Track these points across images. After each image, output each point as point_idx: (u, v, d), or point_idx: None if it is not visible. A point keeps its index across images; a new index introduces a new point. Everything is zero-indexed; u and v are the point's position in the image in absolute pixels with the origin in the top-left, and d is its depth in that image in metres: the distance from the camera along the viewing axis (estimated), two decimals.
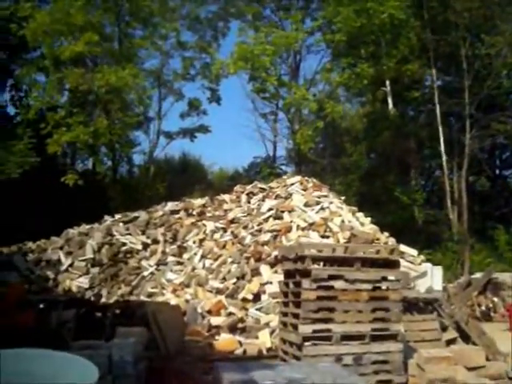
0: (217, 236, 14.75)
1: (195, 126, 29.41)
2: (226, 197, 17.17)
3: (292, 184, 16.11)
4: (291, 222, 13.71)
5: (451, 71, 27.91)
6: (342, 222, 13.72)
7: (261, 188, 16.78)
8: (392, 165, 28.25)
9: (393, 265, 8.18)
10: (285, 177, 17.82)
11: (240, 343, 10.00)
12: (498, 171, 36.71)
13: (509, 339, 14.62)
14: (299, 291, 7.69)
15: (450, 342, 10.34)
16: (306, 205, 14.47)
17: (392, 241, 14.95)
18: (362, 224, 14.27)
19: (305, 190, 15.58)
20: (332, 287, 7.65)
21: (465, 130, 25.47)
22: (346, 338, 7.54)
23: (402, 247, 14.28)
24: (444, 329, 10.60)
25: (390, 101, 28.61)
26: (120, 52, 25.31)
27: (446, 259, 25.84)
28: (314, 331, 7.51)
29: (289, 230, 13.47)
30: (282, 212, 14.39)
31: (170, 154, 33.84)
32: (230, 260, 13.24)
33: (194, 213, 16.39)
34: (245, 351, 9.75)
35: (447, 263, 25.39)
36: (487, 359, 10.13)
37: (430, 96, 26.84)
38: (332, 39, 24.16)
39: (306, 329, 7.51)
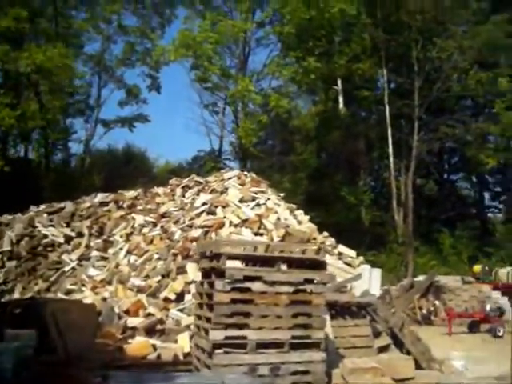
0: (145, 230, 13.79)
1: (133, 115, 28.09)
2: (160, 190, 16.20)
3: (229, 178, 15.27)
4: (224, 217, 12.88)
5: (402, 72, 27.63)
6: (278, 219, 12.97)
7: (197, 181, 15.89)
8: (340, 165, 27.89)
9: (319, 266, 7.45)
10: (223, 171, 16.95)
11: (154, 347, 9.08)
12: (446, 175, 36.97)
13: (447, 344, 14.34)
14: (213, 293, 6.87)
15: (382, 349, 9.73)
16: (242, 200, 13.67)
17: (331, 241, 14.37)
18: (300, 222, 13.59)
19: (242, 185, 14.78)
20: (249, 289, 6.86)
21: (413, 132, 25.21)
22: (263, 345, 6.77)
23: (341, 248, 13.70)
24: (377, 335, 10.00)
25: (341, 100, 28.28)
26: (56, 32, 23.76)
27: (391, 261, 25.63)
28: (227, 337, 6.69)
29: (221, 226, 12.62)
30: (216, 207, 13.53)
31: (114, 146, 32.50)
32: (156, 256, 12.30)
33: (125, 205, 15.35)
34: (159, 356, 8.85)
35: (391, 265, 25.19)
36: (421, 368, 9.67)
37: (381, 96, 26.50)
38: (281, 31, 23.44)
39: (218, 335, 6.69)
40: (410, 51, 25.30)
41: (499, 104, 25.55)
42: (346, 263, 13.03)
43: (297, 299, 7.01)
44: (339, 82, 27.92)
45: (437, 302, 19.72)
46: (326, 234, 15.04)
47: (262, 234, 12.23)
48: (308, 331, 6.97)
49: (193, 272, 11.10)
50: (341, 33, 24.27)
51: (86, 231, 14.31)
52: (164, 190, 16.17)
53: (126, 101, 27.97)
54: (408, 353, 9.66)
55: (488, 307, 16.67)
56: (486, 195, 37.35)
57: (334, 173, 28.15)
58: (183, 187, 15.85)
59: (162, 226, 13.70)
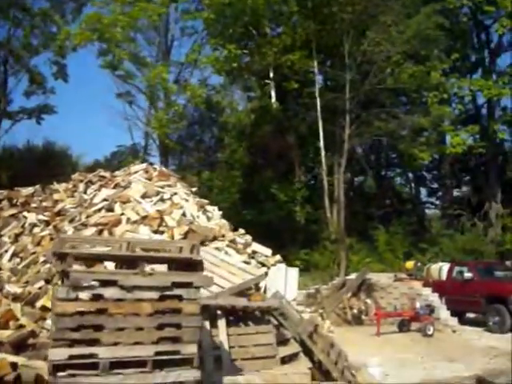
0: (36, 230, 12.26)
1: (38, 106, 26.03)
2: (61, 186, 14.62)
3: (136, 172, 13.87)
4: (122, 214, 11.51)
5: (335, 65, 26.72)
6: (183, 215, 11.70)
7: (101, 176, 14.42)
8: (272, 161, 26.78)
9: (195, 266, 6.22)
10: (132, 165, 15.48)
11: (15, 366, 7.59)
12: (384, 171, 36.61)
13: (373, 346, 13.42)
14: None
15: (289, 359, 8.61)
16: (145, 195, 12.34)
17: (246, 238, 13.21)
18: (209, 219, 12.34)
19: (149, 180, 13.43)
20: (101, 296, 5.54)
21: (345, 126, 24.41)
22: (119, 365, 5.45)
23: (255, 246, 12.54)
24: (285, 342, 8.86)
25: (273, 94, 27.23)
26: None
27: (324, 259, 24.75)
28: (72, 357, 5.34)
29: (117, 223, 11.24)
30: (116, 203, 12.12)
31: (32, 142, 30.25)
32: (42, 259, 10.79)
33: (19, 203, 13.70)
34: (19, 377, 7.37)
35: (324, 263, 24.33)
36: (331, 379, 8.62)
37: (312, 89, 25.58)
38: (201, 16, 22.10)
39: (60, 353, 5.34)
40: (342, 43, 24.43)
41: (432, 98, 25.15)
42: (259, 262, 11.88)
43: (163, 307, 5.74)
44: (271, 75, 26.86)
45: (368, 301, 18.91)
46: (241, 231, 13.89)
47: (162, 232, 10.92)
48: (177, 345, 5.70)
49: None
50: (268, 22, 23.17)
51: None
52: (66, 186, 14.59)
53: (31, 90, 25.85)
54: (319, 362, 8.60)
55: (418, 305, 15.90)
56: (424, 191, 37.41)
57: (265, 169, 27.11)
58: (86, 183, 14.32)
59: (54, 225, 12.17)
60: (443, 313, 16.67)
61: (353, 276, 20.61)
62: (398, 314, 16.23)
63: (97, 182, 14.15)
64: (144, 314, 5.62)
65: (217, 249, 10.71)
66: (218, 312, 8.06)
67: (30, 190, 14.39)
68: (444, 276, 18.81)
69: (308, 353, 8.85)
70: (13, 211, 13.26)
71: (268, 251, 12.50)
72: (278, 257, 13.04)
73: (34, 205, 13.53)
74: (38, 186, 14.66)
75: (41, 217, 12.72)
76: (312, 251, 25.46)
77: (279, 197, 25.50)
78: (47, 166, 28.12)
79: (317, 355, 8.55)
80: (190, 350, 5.74)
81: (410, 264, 20.85)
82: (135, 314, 5.61)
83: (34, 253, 11.18)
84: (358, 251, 25.92)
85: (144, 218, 11.23)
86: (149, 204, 11.72)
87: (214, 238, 11.17)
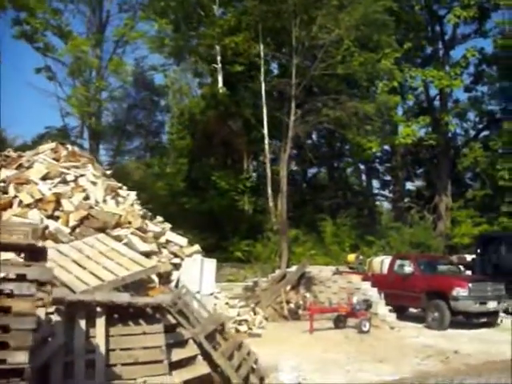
0: None
1: None
2: None
3: (43, 152, 12.51)
4: (15, 196, 10.18)
5: (282, 49, 25.58)
6: (86, 199, 10.45)
7: (6, 156, 12.95)
8: (215, 148, 25.59)
9: (36, 256, 5.04)
10: (44, 145, 14.04)
11: None
12: (336, 162, 35.85)
13: (301, 344, 12.47)
14: None
15: (183, 363, 7.50)
16: (47, 177, 11.01)
17: (164, 227, 12.09)
18: (119, 204, 11.12)
19: (57, 160, 12.09)
20: None
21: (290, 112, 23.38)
22: None
23: (169, 235, 11.40)
24: (182, 344, 7.74)
25: (220, 78, 26.04)
26: None
27: (266, 251, 23.78)
28: None
29: (8, 206, 9.94)
30: (18, 184, 10.79)
31: None
32: None
33: None
34: None
35: (266, 255, 23.39)
36: None
37: (256, 73, 24.46)
38: None
39: None
40: (289, 26, 23.35)
41: (382, 87, 24.41)
42: (172, 253, 10.76)
43: None
44: (218, 58, 25.69)
45: (307, 295, 18.05)
46: (159, 219, 12.78)
47: (58, 217, 9.66)
48: (2, 353, 4.52)
49: None
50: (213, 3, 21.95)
51: None
52: None
53: None
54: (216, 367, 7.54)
55: (354, 300, 15.04)
56: (376, 184, 36.86)
57: (208, 157, 25.98)
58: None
59: None
60: (381, 308, 15.91)
61: (293, 269, 19.78)
62: (333, 309, 15.35)
63: (0, 162, 12.71)
64: None
65: (117, 236, 9.51)
66: (98, 309, 6.89)
67: None
68: (386, 270, 18.09)
69: (208, 356, 7.80)
70: None
71: (183, 241, 11.41)
72: (196, 247, 12.00)
73: None
74: None
75: None
76: (255, 242, 24.47)
77: (221, 185, 24.39)
78: None
79: (215, 359, 7.48)
80: (19, 358, 4.56)
81: (351, 257, 20.08)
82: None
83: None
84: (304, 243, 25.09)
85: (39, 201, 9.94)
86: (47, 186, 10.41)
87: (118, 225, 9.97)
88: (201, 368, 7.40)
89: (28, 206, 9.85)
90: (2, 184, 10.99)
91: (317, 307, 15.52)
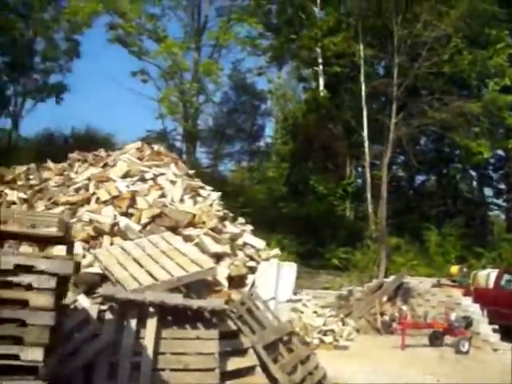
0: (14, 208, 11.29)
1: (50, 85, 25.33)
2: (56, 165, 13.68)
3: (129, 151, 12.71)
4: (93, 193, 10.32)
5: (383, 48, 24.47)
6: (162, 197, 10.36)
7: (96, 155, 13.34)
8: (314, 151, 24.98)
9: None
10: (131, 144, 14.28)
11: None
12: (445, 168, 33.74)
13: (389, 360, 11.51)
14: None
15: (240, 373, 7.02)
16: (127, 175, 11.09)
17: (245, 229, 11.72)
18: (196, 203, 10.93)
19: (140, 159, 12.19)
20: None
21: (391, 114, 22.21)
22: None
23: (247, 237, 10.99)
24: (241, 352, 7.27)
25: (321, 81, 25.47)
26: None
27: (365, 259, 22.77)
28: None
29: (86, 202, 10.10)
30: (99, 182, 10.98)
31: (78, 129, 29.87)
32: None
33: (6, 180, 12.91)
34: None
35: (364, 264, 22.39)
36: None
37: (355, 73, 23.54)
38: None
39: None
40: (390, 24, 22.18)
41: (493, 85, 22.49)
42: (247, 256, 10.35)
43: (3, 297, 4.37)
44: (320, 60, 25.15)
45: (404, 308, 16.96)
46: (241, 220, 12.41)
47: (132, 214, 9.62)
48: (15, 348, 4.30)
49: None
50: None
51: None
52: (62, 165, 13.64)
53: (48, 68, 25.24)
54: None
55: (452, 316, 13.77)
56: (488, 192, 34.17)
57: (307, 161, 25.44)
58: (82, 161, 13.31)
59: (30, 204, 11.21)
60: (484, 327, 14.38)
61: (391, 279, 18.73)
62: (427, 325, 14.15)
63: (91, 161, 13.10)
64: None
65: (188, 236, 9.28)
66: (150, 309, 6.61)
67: (23, 168, 13.54)
68: (492, 284, 16.50)
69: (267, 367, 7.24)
70: None
71: (261, 243, 10.95)
72: (275, 251, 11.49)
73: (20, 182, 12.66)
74: (32, 165, 13.79)
75: (21, 195, 11.80)
76: (354, 249, 23.54)
77: (319, 190, 23.73)
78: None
79: (272, 372, 6.91)
80: (34, 355, 4.30)
81: (454, 269, 18.48)
82: None
83: None
84: (406, 252, 23.72)
85: (115, 198, 9.98)
86: (125, 184, 10.45)
87: (191, 225, 9.74)
88: (257, 380, 6.88)
89: (104, 202, 9.91)
90: (86, 182, 11.23)
91: (410, 321, 14.43)
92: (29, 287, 4.38)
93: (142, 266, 7.20)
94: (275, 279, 10.27)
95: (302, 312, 13.80)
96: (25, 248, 7.97)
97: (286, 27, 24.97)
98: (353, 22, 22.71)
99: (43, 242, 4.81)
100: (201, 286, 8.10)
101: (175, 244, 7.91)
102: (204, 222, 9.96)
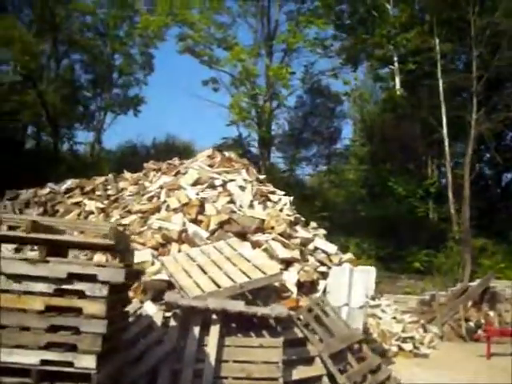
0: (91, 218, 11.73)
1: (128, 98, 26.09)
2: (133, 175, 14.09)
3: (200, 159, 12.86)
4: (164, 201, 10.51)
5: (460, 40, 23.32)
6: (230, 203, 10.37)
7: (170, 164, 13.59)
8: (392, 152, 24.26)
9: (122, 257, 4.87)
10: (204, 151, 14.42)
11: None
12: None
13: (470, 370, 10.82)
14: None
15: (313, 382, 6.84)
16: (197, 182, 11.19)
17: (318, 233, 11.53)
18: (266, 208, 10.86)
19: (211, 166, 12.30)
20: None
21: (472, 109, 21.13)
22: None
23: (318, 242, 10.77)
24: (308, 361, 7.09)
25: (397, 80, 24.79)
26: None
27: (449, 262, 21.80)
28: None
29: (156, 210, 10.31)
30: (170, 190, 11.19)
31: (158, 139, 30.91)
32: None
33: (85, 191, 13.43)
34: None
35: (448, 267, 21.43)
36: None
37: (432, 69, 22.58)
38: None
39: None
40: (466, 15, 21.07)
41: None
42: (319, 261, 10.14)
43: (57, 304, 4.47)
44: (395, 59, 24.47)
45: (490, 313, 16.06)
46: (314, 224, 12.20)
47: (201, 221, 9.69)
48: (70, 355, 4.39)
49: None
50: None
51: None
52: (138, 174, 14.03)
53: (124, 83, 26.10)
54: None
55: None
56: None
57: (384, 162, 24.75)
58: (157, 171, 13.62)
59: (106, 213, 11.59)
60: None
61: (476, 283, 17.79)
62: None
63: (164, 170, 13.38)
64: (33, 311, 4.41)
65: (256, 242, 9.22)
66: (214, 317, 6.60)
67: (101, 179, 14.04)
68: None
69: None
70: (77, 199, 12.93)
71: (332, 248, 10.68)
72: (348, 255, 11.16)
73: (98, 193, 13.12)
74: (110, 175, 14.28)
75: (99, 204, 12.22)
76: (437, 252, 22.60)
77: (398, 191, 22.99)
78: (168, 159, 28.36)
79: (338, 382, 6.68)
80: (87, 362, 4.38)
81: None
82: (22, 310, 4.42)
83: None
84: (492, 254, 22.45)
85: (185, 205, 10.10)
86: (194, 191, 10.55)
87: (260, 230, 9.68)
88: None
89: (174, 210, 10.05)
90: (158, 190, 11.46)
91: (496, 328, 13.58)
92: (82, 295, 4.46)
93: (205, 273, 7.21)
94: (347, 284, 9.95)
95: (381, 318, 13.38)
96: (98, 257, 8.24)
97: (359, 27, 24.49)
98: (427, 16, 21.81)
99: (95, 249, 4.90)
100: (269, 292, 8.01)
101: (240, 250, 7.87)
102: (273, 228, 9.85)
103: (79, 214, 12.06)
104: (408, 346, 12.26)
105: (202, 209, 9.97)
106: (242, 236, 9.42)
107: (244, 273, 7.11)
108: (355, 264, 11.91)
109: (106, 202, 12.39)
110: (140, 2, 23.97)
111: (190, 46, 21.38)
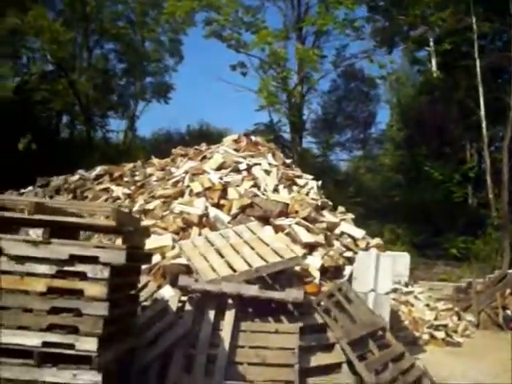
0: (118, 203, 11.78)
1: (158, 85, 26.01)
2: (161, 161, 14.10)
3: (226, 143, 12.75)
4: (188, 186, 10.44)
5: (501, 18, 22.38)
6: (254, 187, 10.22)
7: (197, 149, 13.51)
8: (427, 136, 23.59)
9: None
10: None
11: None
12: None
13: (503, 363, 10.39)
14: None
15: (331, 369, 6.65)
16: (222, 167, 11.08)
17: (345, 218, 11.29)
18: (291, 192, 10.68)
19: (237, 150, 12.16)
20: None
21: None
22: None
23: (345, 227, 10.53)
24: (328, 348, 6.90)
25: (433, 62, 24.07)
26: None
27: (487, 249, 21.16)
28: None
29: (179, 195, 10.25)
30: (193, 175, 11.11)
31: (193, 126, 30.95)
32: None
33: (114, 177, 13.54)
34: None
35: (486, 253, 20.81)
36: None
37: (469, 50, 21.79)
38: None
39: None
40: None
41: None
42: (344, 246, 9.91)
43: (59, 286, 4.42)
44: (430, 40, 23.75)
45: None
46: (341, 209, 11.94)
47: (223, 205, 9.59)
48: (71, 337, 4.34)
49: None
50: None
51: None
52: (166, 160, 14.04)
53: (153, 70, 26.05)
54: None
55: None
56: None
57: (419, 146, 24.12)
58: (184, 156, 13.58)
59: (132, 199, 11.62)
60: None
61: None
62: None
63: (191, 155, 13.32)
64: (35, 293, 4.38)
65: (279, 226, 9.07)
66: (229, 301, 6.48)
67: (130, 165, 14.13)
68: None
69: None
70: (105, 186, 13.03)
71: (360, 233, 10.42)
72: (376, 240, 10.87)
73: (126, 179, 13.18)
74: (139, 162, 14.35)
75: (125, 190, 12.27)
76: (475, 239, 21.95)
77: (434, 176, 22.37)
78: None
79: (357, 370, 6.47)
80: (88, 345, 4.32)
81: None
82: (24, 292, 4.39)
83: None
84: None
85: (207, 189, 10.01)
86: (218, 175, 10.44)
87: (283, 214, 9.51)
88: (342, 378, 6.48)
89: (197, 194, 9.97)
90: (184, 175, 11.40)
91: None
92: (83, 277, 4.40)
93: (222, 257, 7.10)
94: (374, 270, 9.69)
95: (413, 305, 13.08)
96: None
97: (393, 8, 23.79)
98: None
99: (98, 231, 4.84)
100: (289, 276, 7.84)
101: (259, 233, 7.72)
102: (297, 212, 9.67)
103: (106, 200, 12.12)
104: (440, 334, 11.92)
105: (224, 193, 9.85)
106: (265, 220, 9.28)
107: (261, 257, 6.96)
108: (387, 249, 11.63)
109: (132, 187, 12.41)
110: None
111: (216, 30, 21.17)
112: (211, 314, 6.41)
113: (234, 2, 20.49)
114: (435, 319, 12.41)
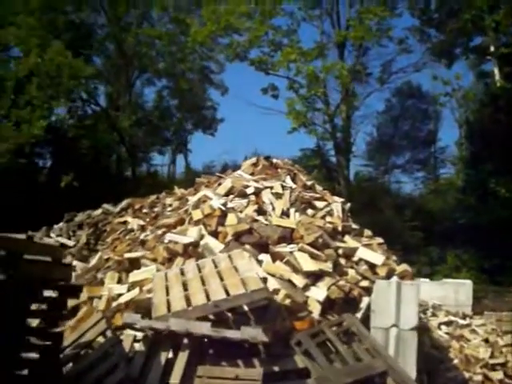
0: (131, 236, 11.36)
1: (207, 119, 25.66)
2: (182, 191, 13.58)
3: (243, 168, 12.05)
4: (189, 213, 9.78)
5: None
6: (257, 212, 9.37)
7: (220, 177, 12.87)
8: (495, 150, 21.71)
9: None
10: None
11: None
12: None
13: None
14: None
15: None
16: (230, 192, 10.34)
17: (371, 243, 10.12)
18: (305, 214, 9.76)
19: (252, 174, 11.40)
20: None
21: None
22: None
23: (363, 252, 9.38)
24: None
25: (496, 71, 22.38)
26: None
27: None
28: None
29: (180, 223, 9.63)
30: (201, 202, 10.45)
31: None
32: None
33: (134, 209, 13.19)
34: None
35: None
36: None
37: None
38: None
39: None
40: None
41: None
42: (359, 274, 8.78)
43: None
44: (491, 48, 22.10)
45: None
46: (368, 233, 10.80)
47: (219, 233, 8.82)
48: None
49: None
50: None
51: (84, 240, 12.50)
52: (190, 190, 13.49)
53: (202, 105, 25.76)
54: None
55: None
56: None
57: (485, 162, 22.18)
58: (206, 184, 12.99)
59: (144, 230, 11.14)
60: None
61: None
62: None
63: (211, 183, 12.69)
64: None
65: (277, 253, 8.16)
66: (184, 341, 5.65)
67: (153, 197, 13.76)
68: None
69: None
70: (123, 219, 12.71)
71: (379, 259, 9.20)
72: (403, 267, 9.58)
73: (144, 210, 12.77)
74: (164, 193, 13.94)
75: (141, 222, 11.83)
76: None
77: (501, 193, 20.39)
78: None
79: None
80: None
81: None
82: None
83: (107, 259, 10.18)
84: None
85: (206, 216, 9.28)
86: (220, 201, 9.68)
87: (285, 240, 8.59)
88: None
89: (197, 222, 9.27)
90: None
91: None
92: None
93: (185, 290, 6.29)
94: (395, 301, 8.45)
95: (469, 340, 11.64)
96: None
97: (449, 19, 22.42)
98: None
99: None
100: (275, 311, 6.85)
101: (237, 262, 6.85)
102: (301, 237, 8.69)
103: (121, 232, 11.74)
104: (497, 375, 10.40)
105: (224, 219, 9.07)
106: (263, 247, 8.40)
107: (225, 289, 6.08)
108: (451, 277, 10.28)
109: (148, 219, 11.95)
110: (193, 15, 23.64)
111: (239, 52, 20.61)
112: (163, 355, 5.61)
113: (261, 24, 19.91)
114: (491, 357, 10.88)
